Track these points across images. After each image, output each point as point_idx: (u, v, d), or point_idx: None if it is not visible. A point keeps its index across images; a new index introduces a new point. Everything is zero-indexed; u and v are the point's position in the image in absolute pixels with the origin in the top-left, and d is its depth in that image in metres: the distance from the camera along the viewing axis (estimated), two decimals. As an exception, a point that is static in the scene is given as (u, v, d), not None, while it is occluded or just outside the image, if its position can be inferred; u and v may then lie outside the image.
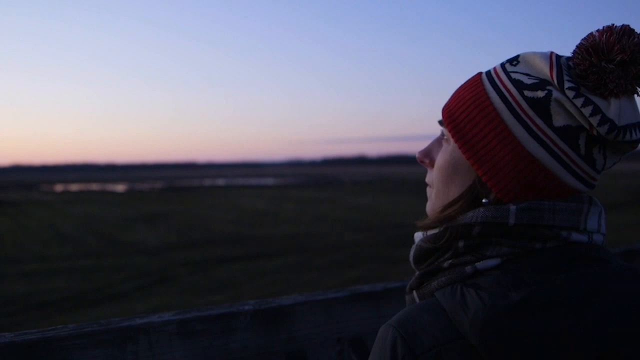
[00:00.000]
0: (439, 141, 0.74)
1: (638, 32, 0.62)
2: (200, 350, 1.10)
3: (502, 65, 0.67)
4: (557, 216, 0.62)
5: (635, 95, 0.63)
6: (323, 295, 1.27)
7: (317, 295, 1.27)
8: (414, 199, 27.79)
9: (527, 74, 0.64)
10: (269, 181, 66.32)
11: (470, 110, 0.66)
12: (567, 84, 0.60)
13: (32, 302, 8.65)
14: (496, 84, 0.66)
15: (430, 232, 0.67)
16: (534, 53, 0.65)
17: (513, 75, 0.64)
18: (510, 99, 0.63)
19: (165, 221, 20.14)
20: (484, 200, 0.66)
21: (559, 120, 0.61)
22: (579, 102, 0.59)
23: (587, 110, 0.59)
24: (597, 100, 0.60)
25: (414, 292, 0.69)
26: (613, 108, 0.60)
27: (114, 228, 18.31)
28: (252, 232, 16.77)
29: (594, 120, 0.59)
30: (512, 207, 0.62)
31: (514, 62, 0.66)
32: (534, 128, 0.62)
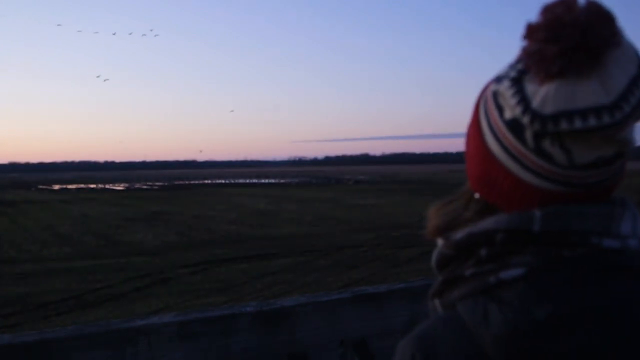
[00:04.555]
0: None
1: (571, 5, 0.55)
2: (200, 352, 1.09)
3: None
4: (587, 221, 0.57)
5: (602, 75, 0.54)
6: (326, 297, 1.25)
7: (319, 296, 1.26)
8: (417, 199, 27.81)
9: (508, 67, 0.61)
10: (271, 180, 66.36)
11: (473, 110, 0.67)
12: (512, 74, 0.58)
13: (30, 303, 8.63)
14: (489, 84, 0.64)
15: (453, 236, 0.64)
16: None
17: (501, 70, 0.63)
18: (486, 93, 0.63)
19: (165, 221, 20.14)
20: (475, 195, 0.65)
21: (507, 112, 0.58)
22: (510, 92, 0.57)
23: (513, 101, 0.56)
24: (532, 87, 0.55)
25: (437, 300, 0.66)
26: (539, 95, 0.54)
27: (113, 228, 18.31)
28: (253, 232, 16.77)
29: (517, 112, 0.56)
30: (537, 213, 0.58)
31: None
32: (492, 122, 0.60)
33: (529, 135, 0.57)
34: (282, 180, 65.98)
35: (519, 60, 0.59)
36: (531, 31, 0.57)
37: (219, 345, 1.11)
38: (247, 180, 68.45)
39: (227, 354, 1.11)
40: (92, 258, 12.60)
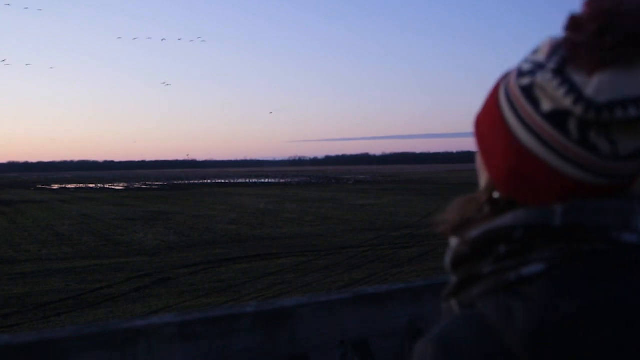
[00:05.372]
0: None
1: None
2: (201, 353, 1.08)
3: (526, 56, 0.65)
4: (607, 215, 0.58)
5: None
6: (326, 297, 1.25)
7: (320, 296, 1.25)
8: (418, 199, 27.84)
9: (532, 61, 0.61)
10: (271, 180, 66.40)
11: (484, 106, 0.66)
12: (551, 65, 0.57)
13: (30, 303, 8.63)
14: (507, 77, 0.64)
15: (468, 235, 0.64)
16: (551, 37, 0.62)
17: (521, 64, 0.62)
18: (509, 88, 0.62)
19: (165, 221, 20.15)
20: (494, 195, 0.64)
21: (545, 105, 0.57)
22: (555, 83, 0.56)
23: (561, 91, 0.55)
24: (578, 77, 0.55)
25: (453, 299, 0.65)
26: (592, 84, 0.54)
27: (113, 228, 18.31)
28: (253, 232, 16.77)
29: (568, 102, 0.55)
30: (558, 208, 0.58)
31: (534, 50, 0.63)
32: (524, 116, 0.59)
33: (573, 126, 0.56)
34: (282, 180, 66.03)
35: (552, 52, 0.58)
36: (579, 22, 0.56)
37: (219, 345, 1.10)
38: (247, 180, 68.50)
39: (228, 355, 1.11)
40: (91, 258, 12.60)
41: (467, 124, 0.70)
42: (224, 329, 1.10)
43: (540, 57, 0.60)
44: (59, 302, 8.70)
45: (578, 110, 0.55)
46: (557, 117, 0.57)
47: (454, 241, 0.66)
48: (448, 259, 0.66)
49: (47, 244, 14.84)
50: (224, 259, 12.13)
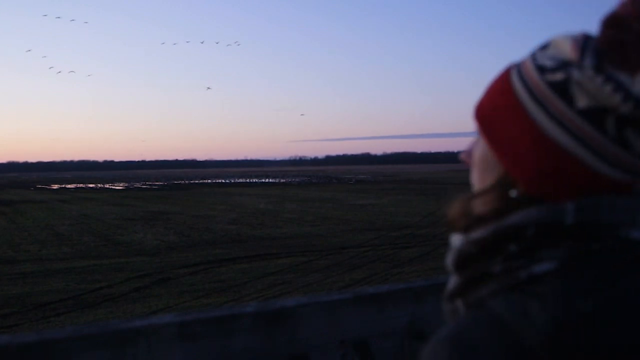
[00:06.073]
0: (477, 138, 0.71)
1: None
2: (201, 353, 1.08)
3: (532, 52, 0.64)
4: (617, 213, 0.58)
5: None
6: (326, 297, 1.25)
7: (320, 297, 1.25)
8: (419, 199, 27.84)
9: (552, 58, 0.61)
10: (271, 180, 66.40)
11: (494, 101, 0.65)
12: (588, 62, 0.57)
13: (29, 303, 8.63)
14: (521, 72, 0.63)
15: (474, 234, 0.63)
16: (565, 35, 0.62)
17: (538, 61, 0.62)
18: (531, 84, 0.61)
19: (165, 221, 20.14)
20: (511, 193, 0.63)
21: (581, 101, 0.57)
22: (599, 80, 0.56)
23: (607, 89, 0.55)
24: (622, 76, 0.55)
25: (459, 300, 0.64)
26: (639, 83, 0.54)
27: (113, 228, 18.31)
28: (253, 232, 16.77)
29: (615, 99, 0.55)
30: (570, 206, 0.58)
31: (544, 48, 0.63)
32: (556, 113, 0.58)
33: (610, 123, 0.56)
34: (282, 180, 66.02)
35: (582, 49, 0.58)
36: (623, 21, 0.57)
37: (219, 345, 1.10)
38: (247, 180, 68.49)
39: (228, 355, 1.10)
40: (91, 258, 12.60)
41: (468, 123, 0.69)
42: (224, 329, 1.10)
43: (564, 53, 0.59)
44: (59, 302, 8.70)
45: (626, 108, 0.55)
46: (594, 114, 0.57)
47: (456, 240, 0.66)
48: (450, 258, 0.65)
49: (46, 244, 14.84)
50: (224, 259, 12.13)
